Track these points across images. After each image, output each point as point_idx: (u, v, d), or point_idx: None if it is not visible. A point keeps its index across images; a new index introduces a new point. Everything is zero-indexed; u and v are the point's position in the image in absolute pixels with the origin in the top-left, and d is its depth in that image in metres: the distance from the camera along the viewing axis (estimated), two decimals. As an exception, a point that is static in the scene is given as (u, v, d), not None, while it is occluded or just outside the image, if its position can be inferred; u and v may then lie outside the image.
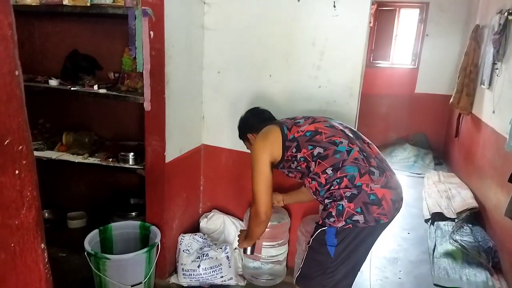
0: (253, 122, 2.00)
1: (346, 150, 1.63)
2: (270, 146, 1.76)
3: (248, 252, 2.07)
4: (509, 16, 3.17)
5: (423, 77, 5.54)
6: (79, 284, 2.30)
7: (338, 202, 1.58)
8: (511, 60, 3.11)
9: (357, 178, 1.57)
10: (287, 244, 2.57)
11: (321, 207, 1.75)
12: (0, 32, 0.60)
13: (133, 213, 2.69)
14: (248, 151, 2.09)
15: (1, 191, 0.63)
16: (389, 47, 5.80)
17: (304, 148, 1.68)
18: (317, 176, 1.65)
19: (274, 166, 1.81)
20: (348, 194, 1.56)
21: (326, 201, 1.64)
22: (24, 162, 0.66)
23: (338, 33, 2.23)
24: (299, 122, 1.78)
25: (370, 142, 1.78)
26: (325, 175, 1.62)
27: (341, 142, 1.65)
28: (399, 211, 1.66)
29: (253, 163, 1.79)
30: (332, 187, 1.61)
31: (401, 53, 5.81)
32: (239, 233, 2.14)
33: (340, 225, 1.57)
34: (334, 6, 2.20)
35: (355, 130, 1.82)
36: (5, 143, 0.62)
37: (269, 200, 1.77)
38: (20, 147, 0.65)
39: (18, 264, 0.69)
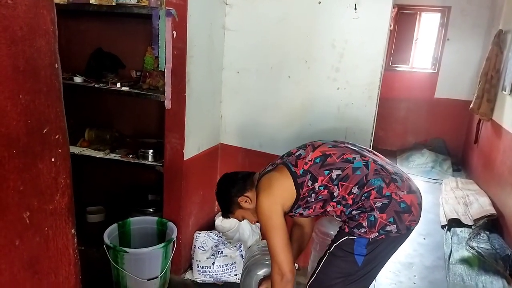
0: (236, 184, 1.78)
1: (363, 164, 1.58)
2: (280, 194, 1.62)
3: None
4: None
5: (443, 81, 5.47)
6: (97, 276, 2.36)
7: (369, 213, 1.52)
8: (535, 66, 3.06)
9: (384, 188, 1.53)
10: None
11: (344, 220, 1.66)
12: (43, 27, 0.64)
13: (151, 209, 2.74)
14: (264, 148, 2.09)
15: (38, 177, 0.67)
16: (409, 51, 5.74)
17: (321, 176, 1.59)
18: (343, 199, 1.59)
19: (287, 213, 1.68)
20: (379, 204, 1.52)
21: (354, 212, 1.57)
22: (60, 150, 0.70)
23: (358, 36, 2.24)
24: (301, 154, 1.68)
25: (373, 150, 1.75)
26: (352, 195, 1.56)
27: (354, 158, 1.60)
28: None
29: (264, 221, 1.62)
30: (361, 202, 1.55)
31: (421, 57, 5.75)
32: (259, 284, 1.95)
33: (372, 236, 1.52)
34: (355, 9, 2.21)
35: (354, 143, 1.76)
36: (44, 131, 0.66)
37: (291, 257, 1.62)
38: (57, 136, 0.69)
39: (51, 247, 0.73)
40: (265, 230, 1.63)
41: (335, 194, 1.59)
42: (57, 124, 0.68)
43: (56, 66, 0.67)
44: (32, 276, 0.70)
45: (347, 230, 1.59)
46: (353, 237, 1.56)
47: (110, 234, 2.28)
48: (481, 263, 2.75)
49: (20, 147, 0.63)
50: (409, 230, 1.56)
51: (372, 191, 1.53)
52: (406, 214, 1.53)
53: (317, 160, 1.62)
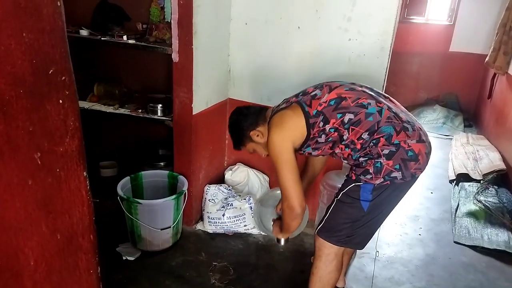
0: (248, 118, 1.80)
1: (377, 111, 1.57)
2: (291, 132, 1.64)
3: (282, 242, 1.92)
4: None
5: (459, 34, 5.27)
6: (112, 226, 2.45)
7: (376, 160, 1.54)
8: (558, 15, 2.91)
9: (394, 136, 1.54)
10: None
11: (352, 166, 1.68)
12: (41, -38, 0.61)
13: (162, 163, 2.79)
14: (272, 103, 2.07)
15: (47, 118, 0.68)
16: (424, 2, 5.49)
17: (333, 118, 1.59)
18: (351, 143, 1.60)
19: (296, 150, 1.71)
20: (386, 151, 1.53)
21: (361, 159, 1.59)
22: (67, 92, 0.69)
23: (372, -18, 2.13)
24: (316, 94, 1.67)
25: (389, 96, 1.73)
26: (361, 140, 1.58)
27: (369, 104, 1.59)
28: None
29: (274, 155, 1.65)
30: (368, 148, 1.57)
31: (437, 8, 5.50)
32: (273, 223, 2.00)
33: (378, 182, 1.55)
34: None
35: (371, 87, 1.74)
36: (50, 72, 0.66)
37: (301, 191, 1.65)
38: (63, 78, 0.68)
39: (63, 188, 0.74)
40: (276, 166, 1.65)
41: (345, 137, 1.60)
42: (63, 65, 0.68)
43: (59, 4, 0.65)
44: (46, 215, 0.72)
45: (354, 177, 1.62)
46: (360, 183, 1.59)
47: (123, 186, 2.33)
48: (487, 216, 2.78)
49: (27, 87, 0.63)
50: (413, 177, 1.58)
51: (381, 138, 1.54)
52: (413, 162, 1.54)
53: (332, 102, 1.61)
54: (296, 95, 1.75)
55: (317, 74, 2.38)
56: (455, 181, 3.42)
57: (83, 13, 2.70)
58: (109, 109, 2.58)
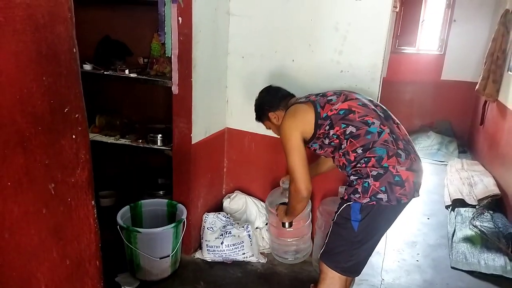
0: (272, 100, 2.02)
1: (377, 131, 1.68)
2: (301, 124, 1.79)
3: (287, 226, 2.12)
4: (539, 0, 3.10)
5: (450, 63, 5.44)
6: (111, 256, 2.45)
7: (364, 180, 1.64)
8: (540, 46, 3.05)
9: (384, 159, 1.63)
10: (311, 224, 2.65)
11: (346, 184, 1.79)
12: (61, 15, 0.70)
13: (161, 192, 2.83)
14: (269, 132, 2.16)
15: (61, 152, 0.74)
16: (415, 33, 5.70)
17: (337, 126, 1.72)
18: (347, 153, 1.71)
19: (305, 143, 1.84)
20: (374, 173, 1.63)
21: (352, 177, 1.70)
22: (80, 128, 0.77)
23: (361, 18, 2.26)
24: (332, 99, 1.80)
25: (399, 122, 1.82)
26: (355, 153, 1.68)
27: (373, 123, 1.70)
28: (418, 193, 1.72)
29: (284, 141, 1.81)
30: (359, 165, 1.67)
31: (427, 38, 5.71)
32: (277, 208, 2.16)
33: (365, 201, 1.64)
34: (357, -9, 2.23)
35: (385, 108, 1.84)
36: (65, 110, 0.73)
37: (307, 175, 1.78)
38: (77, 115, 0.75)
39: (73, 216, 0.80)
40: (285, 150, 1.81)
41: (343, 146, 1.73)
42: (77, 104, 0.75)
43: (74, 50, 0.73)
44: (57, 242, 0.78)
45: (346, 197, 1.71)
46: (350, 202, 1.68)
47: (122, 215, 2.37)
48: (483, 241, 2.81)
49: (45, 125, 0.70)
50: (399, 202, 1.65)
51: (372, 158, 1.64)
52: (398, 187, 1.62)
53: (341, 112, 1.74)
54: (316, 95, 1.90)
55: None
56: (451, 207, 3.46)
57: (87, 48, 2.81)
58: (110, 140, 2.65)
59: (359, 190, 1.65)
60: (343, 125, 1.71)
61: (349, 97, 1.80)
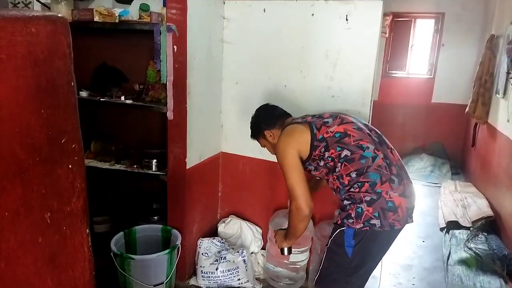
0: (269, 118, 2.02)
1: (371, 156, 1.69)
2: (297, 144, 1.78)
3: (286, 252, 2.01)
4: (522, 26, 3.22)
5: (440, 86, 5.56)
6: (104, 284, 2.42)
7: (358, 205, 1.65)
8: (525, 70, 3.14)
9: (378, 185, 1.64)
10: (309, 252, 2.64)
11: (339, 207, 1.80)
12: (61, 50, 0.73)
13: (156, 217, 2.82)
14: (264, 156, 2.18)
15: (58, 181, 0.76)
16: (405, 57, 5.85)
17: (333, 149, 1.73)
18: (341, 177, 1.72)
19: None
20: (367, 198, 1.64)
21: (346, 202, 1.70)
22: (76, 158, 0.79)
23: (350, 45, 2.33)
24: (328, 122, 1.81)
25: (392, 147, 1.84)
26: (349, 177, 1.70)
27: (368, 148, 1.71)
28: (412, 219, 1.73)
29: (281, 159, 1.79)
30: (353, 189, 1.68)
31: (417, 63, 5.85)
32: (275, 234, 2.09)
33: (358, 226, 1.64)
34: (347, 20, 2.31)
35: (380, 133, 1.86)
36: (62, 141, 0.75)
37: (307, 192, 1.74)
38: (73, 145, 0.78)
39: (68, 245, 0.81)
40: (282, 169, 1.79)
41: (337, 169, 1.73)
42: (74, 135, 0.78)
43: (72, 84, 0.76)
44: (53, 270, 0.79)
45: (339, 222, 1.72)
46: (343, 228, 1.69)
47: (116, 242, 2.35)
48: (479, 263, 2.81)
49: (43, 155, 0.72)
50: (392, 228, 1.65)
51: (366, 183, 1.65)
52: (391, 213, 1.63)
53: (337, 135, 1.75)
54: (313, 116, 1.92)
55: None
56: (445, 229, 3.46)
57: (84, 74, 2.86)
58: (105, 165, 2.66)
59: (352, 216, 1.66)
60: (338, 148, 1.72)
61: (345, 120, 1.81)
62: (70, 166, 0.78)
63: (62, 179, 0.77)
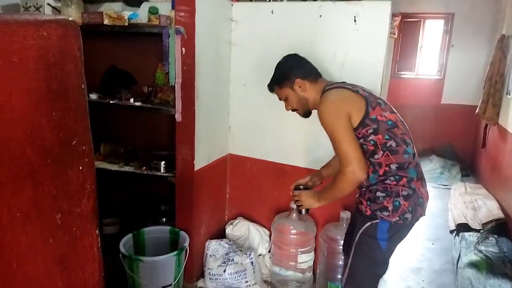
0: (303, 67, 1.83)
1: (412, 153, 1.69)
2: (350, 111, 1.62)
3: (304, 212, 1.95)
4: (533, 26, 3.18)
5: (449, 87, 5.52)
6: (113, 285, 2.44)
7: (395, 198, 1.62)
8: (537, 70, 3.10)
9: (414, 181, 1.65)
10: (313, 252, 2.64)
11: (365, 196, 1.71)
12: (71, 54, 0.74)
13: (164, 219, 2.83)
14: (272, 158, 2.16)
15: (68, 183, 0.77)
16: (414, 58, 5.81)
17: (381, 135, 1.63)
18: (377, 165, 1.66)
19: None
20: (404, 193, 1.63)
21: (379, 193, 1.65)
22: (86, 160, 0.80)
23: (359, 46, 2.33)
24: (381, 104, 1.69)
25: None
26: (387, 168, 1.64)
27: (409, 144, 1.69)
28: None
29: (332, 122, 1.61)
30: (389, 181, 1.64)
31: (426, 63, 5.81)
32: (296, 194, 1.92)
33: (394, 219, 1.63)
34: (355, 21, 2.31)
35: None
36: (73, 143, 0.76)
37: (362, 155, 1.59)
38: (84, 147, 0.79)
39: (78, 246, 0.82)
40: (333, 133, 1.61)
41: (376, 156, 1.65)
42: (84, 137, 0.78)
43: (83, 86, 0.77)
44: (62, 271, 0.80)
45: (368, 212, 1.68)
46: (376, 220, 1.65)
47: (125, 243, 2.37)
48: (489, 266, 2.77)
49: (54, 157, 0.73)
50: (417, 221, 1.70)
51: (404, 177, 1.64)
52: (420, 208, 1.67)
53: (389, 123, 1.66)
54: (363, 89, 1.76)
55: (312, 130, 2.51)
56: (455, 231, 3.43)
57: (94, 77, 2.89)
58: (114, 167, 2.68)
59: (389, 209, 1.63)
60: (387, 137, 1.64)
61: (393, 109, 1.74)
62: (80, 167, 0.78)
63: (73, 180, 0.78)
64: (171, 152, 2.56)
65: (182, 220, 2.54)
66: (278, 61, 1.90)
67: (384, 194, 1.65)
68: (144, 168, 2.65)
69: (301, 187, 1.99)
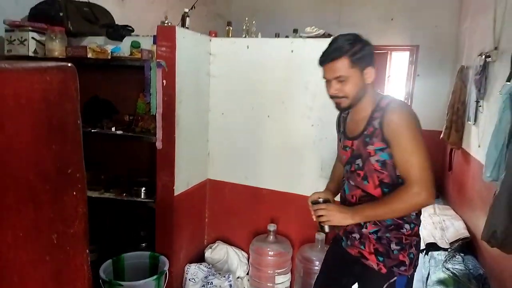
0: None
1: None
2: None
3: (327, 229, 1.55)
4: (487, 59, 3.48)
5: (417, 114, 5.80)
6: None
7: (409, 251, 1.48)
8: (491, 98, 3.38)
9: (419, 226, 1.54)
10: (290, 273, 2.73)
11: (371, 247, 1.52)
12: (69, 94, 0.86)
13: (143, 244, 2.88)
14: (250, 182, 2.27)
15: (64, 207, 0.87)
16: (382, 88, 6.13)
17: None
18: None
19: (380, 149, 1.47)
20: (415, 242, 1.51)
21: (394, 246, 1.47)
22: (80, 186, 0.90)
23: (328, 79, 2.51)
24: None
25: None
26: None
27: None
28: None
29: (413, 132, 1.43)
30: (404, 230, 1.47)
31: (394, 92, 6.14)
32: (318, 208, 1.54)
33: (410, 272, 1.50)
34: (323, 56, 2.50)
35: None
36: (69, 171, 0.87)
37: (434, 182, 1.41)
38: (78, 175, 0.90)
39: (71, 263, 0.92)
40: (410, 142, 1.42)
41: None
42: (78, 166, 0.90)
43: (78, 122, 0.89)
44: (57, 286, 0.89)
45: (384, 271, 1.49)
46: (394, 278, 1.48)
47: (105, 269, 2.41)
48: (456, 283, 2.92)
49: (52, 183, 0.84)
50: None
51: (417, 226, 1.52)
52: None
53: None
54: None
55: (287, 155, 2.66)
56: (424, 251, 3.59)
57: (75, 107, 2.98)
58: (95, 194, 2.74)
59: (406, 263, 1.47)
60: None
61: None
62: (74, 193, 0.89)
63: (68, 204, 0.88)
64: (152, 178, 2.65)
65: (162, 245, 2.60)
66: (355, 34, 1.49)
67: (399, 247, 1.46)
68: (124, 194, 2.72)
69: (320, 199, 1.62)
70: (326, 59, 1.48)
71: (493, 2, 3.45)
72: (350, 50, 1.44)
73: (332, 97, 1.56)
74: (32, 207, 0.80)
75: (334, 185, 1.79)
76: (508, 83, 2.47)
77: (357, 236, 1.57)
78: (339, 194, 1.69)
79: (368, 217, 1.48)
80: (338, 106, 1.58)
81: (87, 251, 0.96)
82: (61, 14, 2.68)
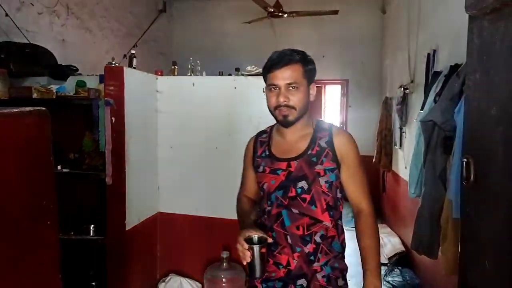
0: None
1: None
2: None
3: (259, 274, 1.32)
4: (405, 90, 3.97)
5: (351, 141, 6.29)
6: None
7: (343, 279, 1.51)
8: (412, 125, 3.84)
9: None
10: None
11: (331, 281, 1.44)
12: (44, 135, 0.97)
13: (93, 283, 2.81)
14: (201, 212, 2.37)
15: (39, 235, 0.96)
16: (320, 116, 6.60)
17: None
18: (342, 231, 1.57)
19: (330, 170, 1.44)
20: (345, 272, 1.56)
21: (340, 282, 1.48)
22: (52, 216, 0.99)
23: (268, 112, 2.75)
24: None
25: None
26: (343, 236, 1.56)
27: None
28: None
29: (358, 155, 1.47)
30: (344, 256, 1.54)
31: (330, 121, 6.62)
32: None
33: None
34: (264, 91, 2.75)
35: None
36: (44, 203, 0.96)
37: None
38: (51, 206, 0.99)
39: (44, 290, 0.98)
40: (360, 168, 1.46)
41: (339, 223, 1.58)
42: (51, 197, 0.99)
43: (51, 159, 0.99)
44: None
45: None
46: None
47: (54, 312, 2.33)
48: (395, 294, 3.19)
49: (30, 214, 0.92)
50: None
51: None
52: None
53: None
54: None
55: (236, 184, 2.81)
56: (367, 267, 3.85)
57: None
58: (41, 235, 2.66)
59: None
60: None
61: None
62: (48, 222, 0.98)
63: (43, 233, 0.96)
64: (101, 215, 2.65)
65: (114, 281, 2.58)
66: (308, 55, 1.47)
67: (344, 282, 1.46)
68: (72, 233, 2.68)
69: (255, 237, 1.33)
70: (279, 62, 1.37)
71: (407, 43, 3.99)
72: (304, 59, 1.40)
73: (277, 107, 1.43)
74: (14, 236, 0.88)
75: (254, 219, 1.56)
76: (421, 111, 2.87)
77: (303, 283, 1.39)
78: (274, 229, 1.43)
79: (379, 266, 1.47)
80: (285, 118, 1.42)
81: (60, 276, 1.03)
82: (2, 56, 2.69)
